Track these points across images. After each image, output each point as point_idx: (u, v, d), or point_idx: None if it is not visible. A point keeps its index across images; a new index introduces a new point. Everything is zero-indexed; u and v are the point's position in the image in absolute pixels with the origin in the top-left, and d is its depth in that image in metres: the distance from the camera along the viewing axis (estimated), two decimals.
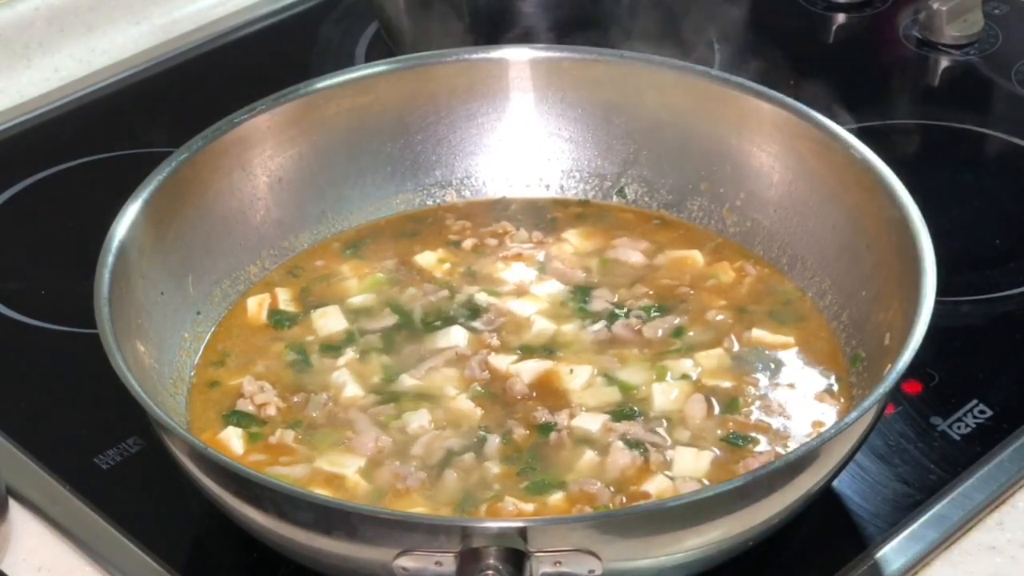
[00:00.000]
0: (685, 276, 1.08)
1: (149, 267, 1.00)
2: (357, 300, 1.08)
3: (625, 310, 1.05)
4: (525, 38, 1.26)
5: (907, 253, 0.95)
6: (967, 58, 1.41)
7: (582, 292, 1.07)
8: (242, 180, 1.09)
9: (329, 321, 1.06)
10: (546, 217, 1.14)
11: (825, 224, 1.06)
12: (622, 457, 0.94)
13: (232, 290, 1.07)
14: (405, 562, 0.82)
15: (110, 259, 0.96)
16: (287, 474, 0.95)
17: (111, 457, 1.02)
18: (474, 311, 1.06)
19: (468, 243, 1.12)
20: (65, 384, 1.08)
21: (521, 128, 1.15)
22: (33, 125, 1.36)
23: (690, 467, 0.94)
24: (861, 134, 1.04)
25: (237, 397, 1.00)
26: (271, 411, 1.00)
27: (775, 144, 1.08)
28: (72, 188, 1.27)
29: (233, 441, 0.98)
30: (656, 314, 1.05)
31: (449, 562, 0.81)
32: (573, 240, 1.12)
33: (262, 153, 1.09)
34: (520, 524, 0.81)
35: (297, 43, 1.43)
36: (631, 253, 1.10)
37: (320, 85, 1.11)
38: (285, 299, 1.08)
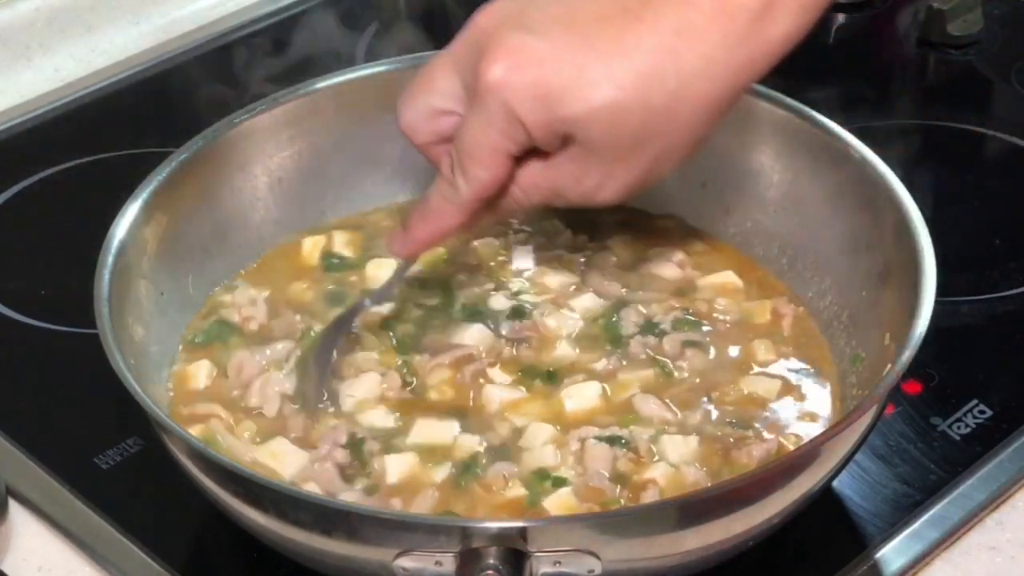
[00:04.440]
0: (723, 302, 1.05)
1: (149, 267, 1.00)
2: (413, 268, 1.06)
3: (656, 328, 1.02)
4: None
5: (907, 253, 0.95)
6: (967, 58, 1.41)
7: (615, 309, 1.04)
8: (242, 180, 1.09)
9: (382, 272, 1.05)
10: (593, 220, 1.11)
11: (825, 224, 1.06)
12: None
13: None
14: (405, 562, 0.82)
15: (110, 259, 0.96)
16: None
17: (111, 457, 1.02)
18: (512, 312, 1.04)
19: (520, 237, 1.11)
20: (65, 384, 1.08)
21: None
22: (33, 125, 1.36)
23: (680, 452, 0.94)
24: (861, 134, 1.04)
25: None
26: (253, 326, 1.01)
27: (775, 144, 1.08)
28: (72, 188, 1.27)
29: (201, 378, 0.99)
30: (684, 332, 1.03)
31: (449, 562, 0.82)
32: (616, 249, 1.10)
33: (262, 153, 1.09)
34: (520, 524, 0.81)
35: (297, 43, 1.43)
36: (666, 267, 1.07)
37: (320, 85, 1.11)
38: (342, 242, 1.09)
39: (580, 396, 0.98)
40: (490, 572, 0.80)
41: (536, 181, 0.88)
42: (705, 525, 0.84)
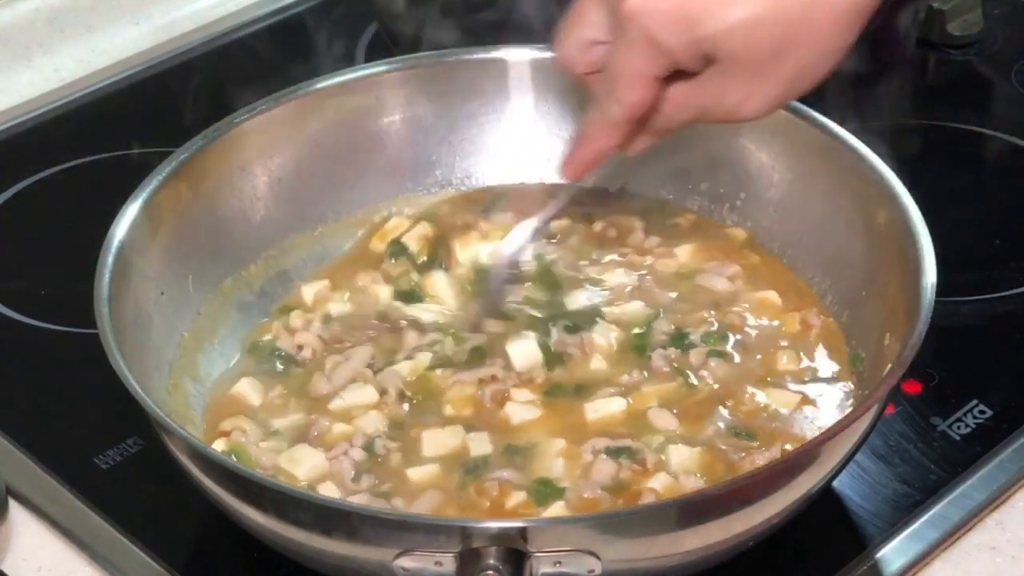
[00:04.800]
0: (757, 315, 1.05)
1: (149, 267, 1.00)
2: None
3: (684, 340, 1.02)
4: (525, 38, 1.26)
5: (907, 253, 0.95)
6: (967, 58, 1.41)
7: (651, 320, 1.04)
8: (242, 180, 1.09)
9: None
10: (666, 223, 1.12)
11: (825, 224, 1.06)
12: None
13: (232, 290, 1.07)
14: (405, 562, 0.82)
15: (110, 259, 0.96)
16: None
17: (111, 457, 1.02)
18: (568, 327, 1.03)
19: (598, 226, 1.12)
20: (65, 384, 1.08)
21: (521, 128, 1.15)
22: (33, 125, 1.36)
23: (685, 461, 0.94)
24: (861, 134, 1.04)
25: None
26: (307, 354, 1.02)
27: (775, 144, 1.08)
28: (72, 188, 1.27)
29: (250, 395, 1.00)
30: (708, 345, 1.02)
31: (449, 562, 0.82)
32: (681, 256, 1.10)
33: (262, 153, 1.09)
34: (520, 524, 0.81)
35: (297, 43, 1.43)
36: (717, 279, 1.07)
37: (320, 85, 1.11)
38: (418, 235, 1.11)
39: (603, 410, 0.98)
40: (490, 572, 0.80)
41: (683, 100, 0.92)
42: (705, 525, 0.84)
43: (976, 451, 1.01)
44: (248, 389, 1.01)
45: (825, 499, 0.94)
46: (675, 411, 0.97)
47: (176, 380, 1.00)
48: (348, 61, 1.39)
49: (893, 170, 1.00)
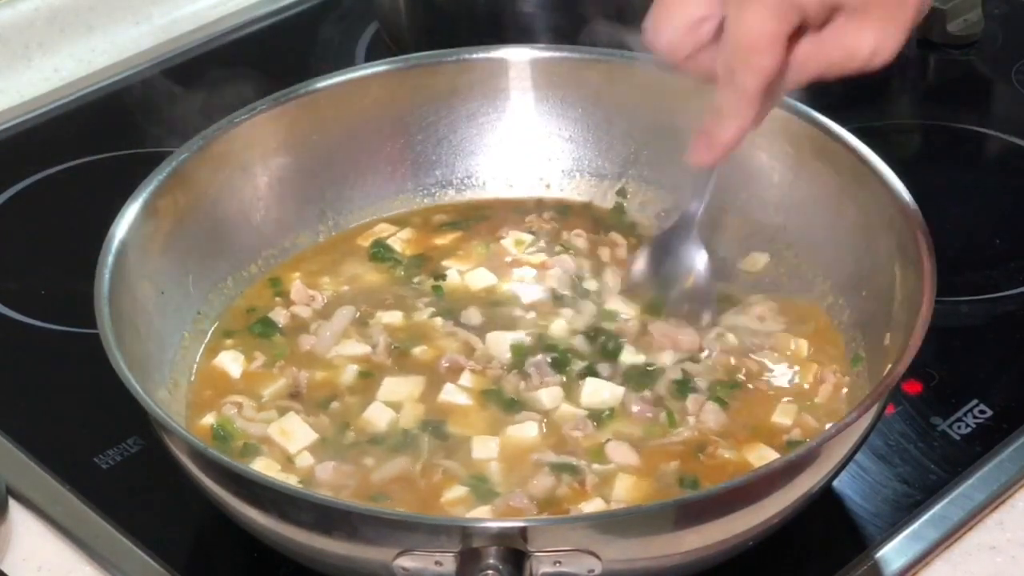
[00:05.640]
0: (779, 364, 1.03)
1: (149, 267, 1.00)
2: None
3: (688, 386, 1.00)
4: (525, 38, 1.26)
5: (907, 253, 0.95)
6: (967, 58, 1.41)
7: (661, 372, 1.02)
8: (242, 180, 1.09)
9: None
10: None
11: (825, 224, 1.06)
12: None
13: (233, 290, 1.07)
14: (405, 562, 0.82)
15: (110, 259, 0.96)
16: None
17: (111, 457, 1.02)
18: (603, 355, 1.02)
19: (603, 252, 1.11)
20: (65, 384, 1.08)
21: (521, 128, 1.15)
22: (33, 125, 1.36)
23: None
24: (861, 134, 1.04)
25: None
26: (304, 312, 1.05)
27: (775, 144, 1.08)
28: (72, 188, 1.27)
29: (231, 367, 1.01)
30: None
31: (449, 562, 0.82)
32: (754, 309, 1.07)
33: (262, 153, 1.09)
34: (520, 524, 0.82)
35: (297, 43, 1.43)
36: (776, 355, 1.04)
37: (320, 85, 1.11)
38: (403, 239, 1.12)
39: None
40: (490, 572, 0.80)
41: (811, 57, 0.90)
42: (705, 525, 0.84)
43: (976, 451, 1.01)
44: (229, 361, 1.02)
45: (825, 499, 0.94)
46: (638, 448, 0.96)
47: (176, 380, 1.00)
48: (348, 61, 1.39)
49: (893, 170, 1.00)
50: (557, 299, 1.07)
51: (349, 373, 1.02)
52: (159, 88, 1.39)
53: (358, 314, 1.05)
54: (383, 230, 1.13)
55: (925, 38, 1.42)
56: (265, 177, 1.10)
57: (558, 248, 1.11)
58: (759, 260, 1.09)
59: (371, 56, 1.40)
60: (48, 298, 1.15)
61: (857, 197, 1.03)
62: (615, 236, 1.12)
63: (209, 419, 0.99)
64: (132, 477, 1.00)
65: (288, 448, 0.96)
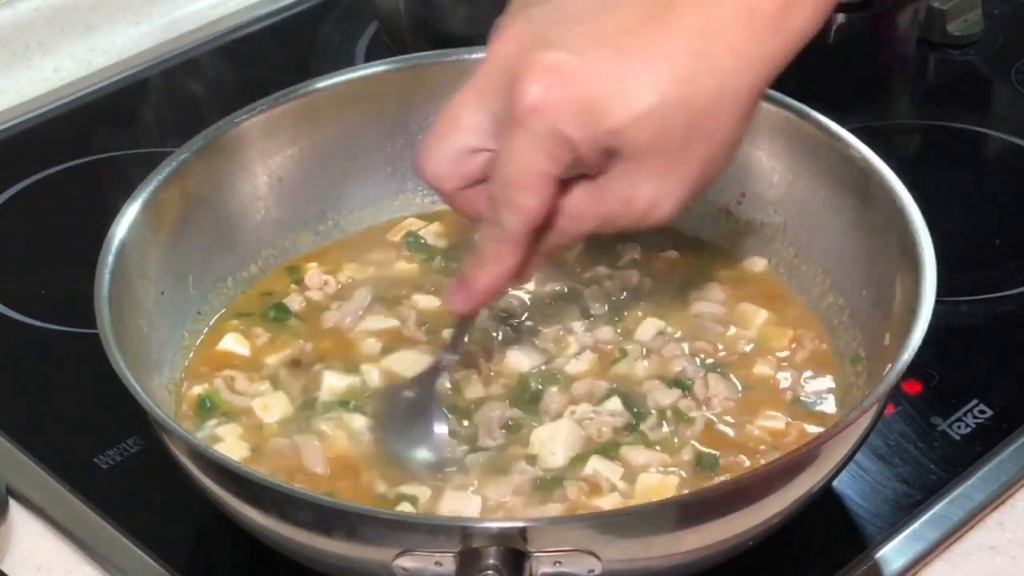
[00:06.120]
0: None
1: (149, 267, 1.00)
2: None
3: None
4: None
5: (907, 253, 0.95)
6: (967, 58, 1.41)
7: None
8: (242, 180, 1.09)
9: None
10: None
11: (825, 224, 1.06)
12: None
13: (233, 290, 1.07)
14: (405, 562, 0.82)
15: (110, 259, 0.96)
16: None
17: (111, 457, 1.02)
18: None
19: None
20: (65, 384, 1.08)
21: None
22: (33, 125, 1.36)
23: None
24: (861, 134, 1.03)
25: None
26: (317, 296, 1.06)
27: (775, 144, 1.08)
28: (72, 188, 1.27)
29: (235, 349, 1.03)
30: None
31: (449, 562, 0.82)
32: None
33: (262, 153, 1.09)
34: (520, 524, 0.81)
35: (297, 43, 1.43)
36: (715, 307, 1.05)
37: (320, 85, 1.11)
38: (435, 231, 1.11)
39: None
40: (490, 572, 0.80)
41: (585, 208, 0.86)
42: (705, 525, 0.84)
43: (976, 451, 1.01)
44: (232, 344, 1.03)
45: (825, 499, 0.94)
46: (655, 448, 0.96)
47: (176, 380, 1.00)
48: (348, 61, 1.39)
49: (893, 170, 1.00)
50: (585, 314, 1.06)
51: (369, 346, 1.02)
52: (159, 88, 1.40)
53: (372, 291, 1.06)
54: (411, 224, 1.13)
55: (925, 38, 1.42)
56: (265, 177, 1.10)
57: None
58: (758, 263, 1.09)
59: (371, 56, 1.40)
60: (48, 298, 1.15)
61: (857, 197, 1.03)
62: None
63: (198, 389, 1.00)
64: (132, 477, 1.00)
65: (263, 419, 0.97)
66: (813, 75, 1.28)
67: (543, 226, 0.86)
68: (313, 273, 1.09)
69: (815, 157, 1.06)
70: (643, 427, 0.96)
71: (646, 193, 0.84)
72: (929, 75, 1.41)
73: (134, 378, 0.88)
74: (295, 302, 1.07)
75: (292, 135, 1.10)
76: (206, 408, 0.99)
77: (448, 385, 0.98)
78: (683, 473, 0.93)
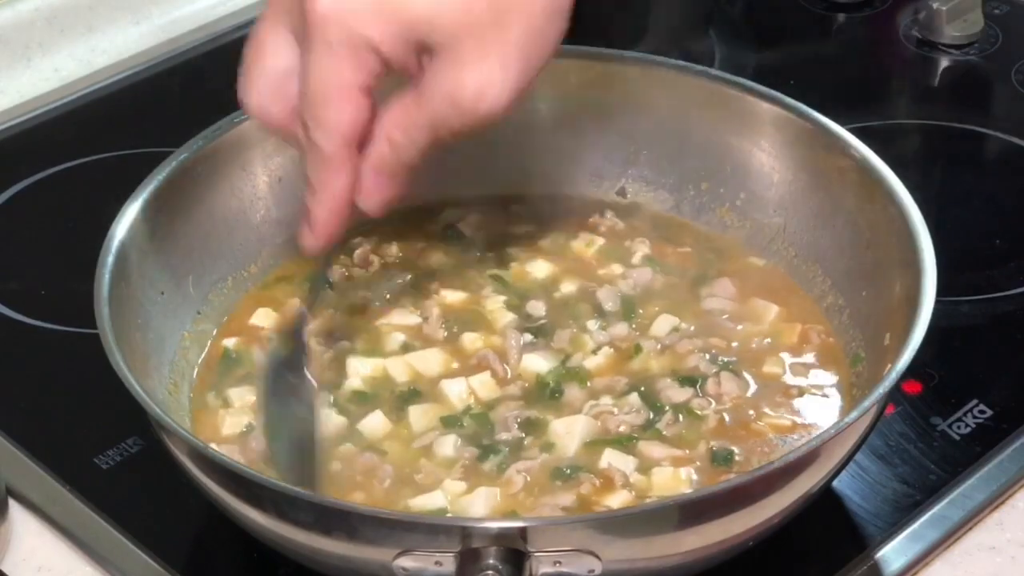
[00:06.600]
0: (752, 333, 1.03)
1: (149, 267, 1.00)
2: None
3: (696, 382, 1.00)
4: None
5: (907, 253, 0.95)
6: (967, 58, 1.41)
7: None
8: (242, 180, 1.09)
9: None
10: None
11: (825, 224, 1.06)
12: None
13: (233, 290, 1.07)
14: (405, 562, 0.82)
15: (110, 259, 0.96)
16: None
17: (111, 457, 1.02)
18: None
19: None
20: (65, 384, 1.08)
21: (520, 128, 1.15)
22: (33, 125, 1.36)
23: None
24: (861, 134, 1.04)
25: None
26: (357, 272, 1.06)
27: (775, 144, 1.08)
28: (72, 188, 1.27)
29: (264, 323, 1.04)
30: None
31: (449, 562, 0.82)
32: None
33: (262, 153, 1.09)
34: (520, 524, 0.81)
35: None
36: (726, 302, 1.05)
37: None
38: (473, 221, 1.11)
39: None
40: (490, 572, 0.80)
41: (408, 115, 0.79)
42: (705, 525, 0.84)
43: (976, 451, 1.01)
44: (263, 319, 1.05)
45: (825, 499, 0.94)
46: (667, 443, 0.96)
47: (176, 380, 1.00)
48: None
49: (893, 170, 1.00)
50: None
51: (392, 339, 1.03)
52: (159, 88, 1.40)
53: (410, 277, 1.06)
54: (450, 215, 1.13)
55: (925, 38, 1.42)
56: (265, 177, 1.10)
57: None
58: (759, 263, 1.09)
59: None
60: (48, 298, 1.15)
61: (857, 197, 1.03)
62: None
63: (229, 342, 1.02)
64: (132, 477, 1.00)
65: None
66: (813, 75, 1.29)
67: (367, 141, 0.80)
68: (361, 251, 1.09)
69: (815, 157, 1.06)
70: (660, 423, 0.96)
71: (468, 83, 0.78)
72: (929, 75, 1.41)
73: (134, 378, 0.88)
74: (336, 273, 1.07)
75: None
76: (230, 359, 1.00)
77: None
78: (698, 463, 0.94)
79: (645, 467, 0.93)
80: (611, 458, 0.94)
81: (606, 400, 0.98)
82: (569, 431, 0.95)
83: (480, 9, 0.77)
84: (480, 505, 0.91)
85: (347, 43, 0.76)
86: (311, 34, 0.77)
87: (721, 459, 0.94)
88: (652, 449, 0.94)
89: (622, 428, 0.96)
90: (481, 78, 0.78)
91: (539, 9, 0.79)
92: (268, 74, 0.82)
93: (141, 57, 1.44)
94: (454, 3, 0.77)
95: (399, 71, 0.79)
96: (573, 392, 0.99)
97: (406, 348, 1.02)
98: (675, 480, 0.93)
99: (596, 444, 0.95)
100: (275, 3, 0.82)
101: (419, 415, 0.97)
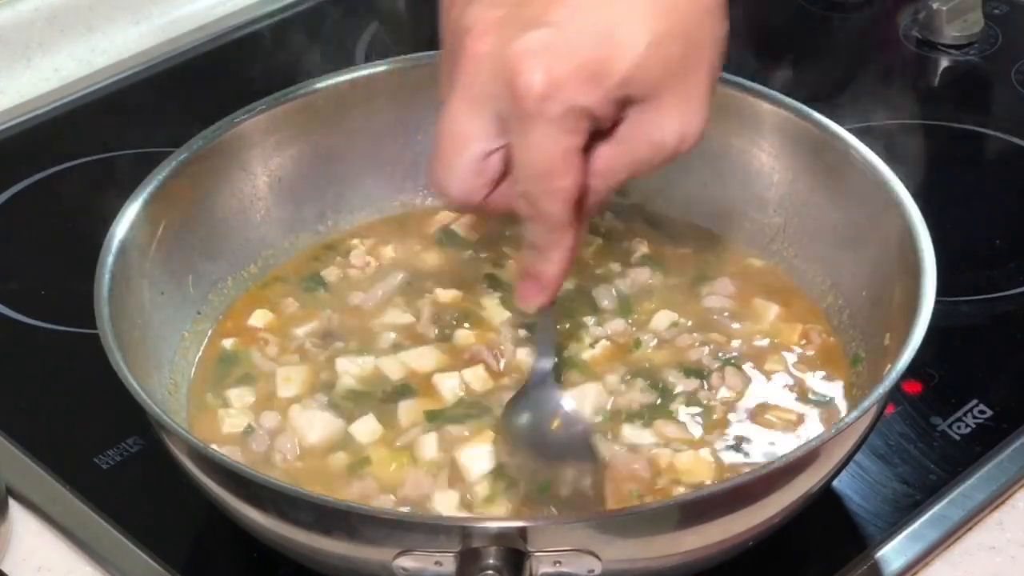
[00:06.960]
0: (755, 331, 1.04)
1: (149, 267, 1.00)
2: None
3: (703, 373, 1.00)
4: None
5: (907, 253, 0.95)
6: (967, 58, 1.41)
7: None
8: (242, 180, 1.09)
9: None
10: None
11: (825, 224, 1.06)
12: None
13: (233, 290, 1.07)
14: (405, 562, 0.82)
15: (110, 259, 0.96)
16: None
17: (111, 457, 1.02)
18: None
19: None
20: (65, 384, 1.08)
21: None
22: (33, 125, 1.36)
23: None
24: (861, 134, 1.04)
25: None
26: (354, 274, 1.08)
27: (775, 144, 1.08)
28: (72, 188, 1.27)
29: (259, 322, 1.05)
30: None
31: (449, 562, 0.82)
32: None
33: (262, 153, 1.09)
34: (520, 524, 0.81)
35: (297, 43, 1.43)
36: (725, 300, 1.05)
37: (320, 85, 1.11)
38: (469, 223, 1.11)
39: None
40: (490, 572, 0.80)
41: (615, 162, 0.84)
42: (705, 525, 0.84)
43: (976, 451, 1.01)
44: (259, 318, 1.05)
45: (825, 499, 0.94)
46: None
47: (176, 380, 1.00)
48: (348, 61, 1.39)
49: (893, 170, 1.00)
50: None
51: (384, 338, 1.03)
52: (159, 88, 1.40)
53: (404, 276, 1.07)
54: (445, 217, 1.13)
55: (925, 38, 1.42)
56: (265, 177, 1.10)
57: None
58: (758, 263, 1.09)
59: (371, 56, 1.40)
60: (48, 298, 1.15)
61: (857, 197, 1.03)
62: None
63: (228, 343, 1.03)
64: (132, 477, 1.00)
65: (279, 392, 0.99)
66: (813, 75, 1.29)
67: (582, 195, 0.85)
68: (358, 252, 1.10)
69: (815, 157, 1.06)
70: (671, 406, 0.97)
71: (672, 128, 0.84)
72: (929, 75, 1.41)
73: (134, 378, 0.88)
74: (332, 274, 1.08)
75: (292, 135, 1.10)
76: (229, 359, 1.01)
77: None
78: (717, 447, 0.95)
79: (663, 443, 0.95)
80: (628, 431, 0.94)
81: (612, 379, 0.98)
82: (581, 399, 0.97)
83: (676, 59, 0.82)
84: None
85: (565, 115, 0.81)
86: (530, 114, 0.81)
87: (735, 448, 0.94)
88: (668, 428, 0.95)
89: (634, 407, 0.97)
90: (684, 120, 0.84)
91: (715, 45, 0.84)
92: (470, 160, 0.85)
93: (141, 57, 1.44)
94: (653, 58, 0.81)
95: (605, 126, 0.83)
96: (573, 378, 0.99)
97: (397, 347, 1.02)
98: (698, 462, 0.93)
99: (613, 418, 0.96)
100: (473, 87, 0.84)
101: (407, 411, 0.98)
